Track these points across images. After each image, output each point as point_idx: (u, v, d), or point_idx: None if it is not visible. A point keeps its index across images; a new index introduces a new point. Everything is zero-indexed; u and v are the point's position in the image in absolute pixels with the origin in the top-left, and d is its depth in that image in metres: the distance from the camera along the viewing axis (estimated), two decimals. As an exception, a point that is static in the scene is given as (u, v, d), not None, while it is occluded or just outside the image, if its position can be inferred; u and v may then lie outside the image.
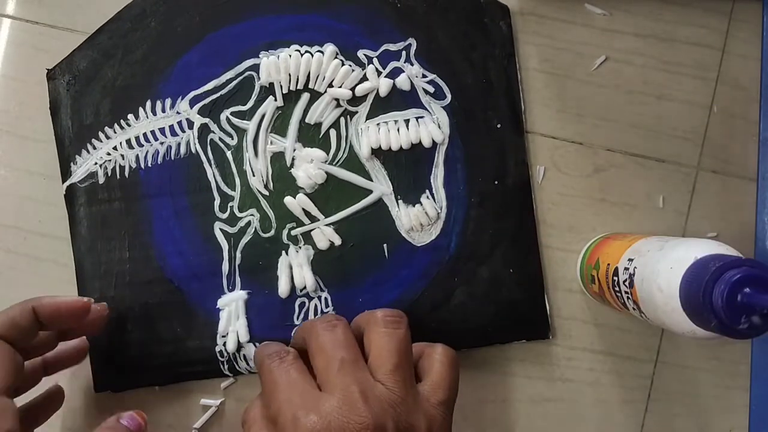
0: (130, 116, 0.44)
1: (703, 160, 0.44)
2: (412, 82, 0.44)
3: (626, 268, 0.36)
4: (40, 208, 0.44)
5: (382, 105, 0.44)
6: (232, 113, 0.44)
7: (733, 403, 0.44)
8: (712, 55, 0.45)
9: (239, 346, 0.43)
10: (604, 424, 0.44)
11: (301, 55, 0.44)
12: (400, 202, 0.44)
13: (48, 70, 0.44)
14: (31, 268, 0.44)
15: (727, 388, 0.44)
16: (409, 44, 0.44)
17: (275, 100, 0.44)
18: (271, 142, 0.44)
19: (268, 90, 0.44)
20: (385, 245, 0.43)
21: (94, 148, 0.44)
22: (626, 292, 0.36)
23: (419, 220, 0.43)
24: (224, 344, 0.43)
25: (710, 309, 0.29)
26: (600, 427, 0.44)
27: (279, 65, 0.43)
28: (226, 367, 0.43)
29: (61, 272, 0.44)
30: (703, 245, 0.32)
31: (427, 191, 0.44)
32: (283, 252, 0.44)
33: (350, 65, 0.44)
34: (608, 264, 0.38)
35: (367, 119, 0.44)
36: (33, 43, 0.45)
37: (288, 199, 0.44)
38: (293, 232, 0.44)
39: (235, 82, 0.44)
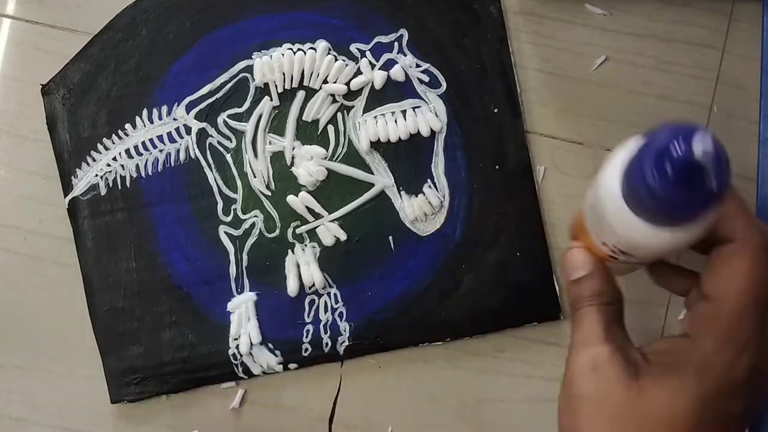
0: (128, 126, 0.44)
1: None
2: (406, 73, 0.44)
3: (588, 197, 0.33)
4: (40, 208, 0.44)
5: (378, 97, 0.44)
6: (228, 116, 0.44)
7: None
8: (712, 55, 0.45)
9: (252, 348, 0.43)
10: None
11: (294, 53, 0.44)
12: (402, 193, 0.44)
13: (42, 85, 0.44)
14: (31, 268, 0.44)
15: None
16: (401, 35, 0.44)
17: (271, 99, 0.44)
18: (270, 142, 0.44)
19: (264, 90, 0.44)
20: (390, 237, 0.44)
21: (94, 160, 0.44)
22: (594, 230, 0.33)
23: (423, 210, 0.43)
24: (237, 347, 0.43)
25: (645, 188, 0.25)
26: None
27: (272, 65, 0.43)
28: (240, 369, 0.43)
29: (61, 272, 0.44)
30: (636, 137, 0.29)
31: (429, 180, 0.44)
32: (290, 251, 0.44)
33: (343, 60, 0.44)
34: (581, 207, 0.35)
35: (364, 113, 0.44)
36: (33, 43, 0.45)
37: (290, 198, 0.44)
38: (298, 231, 0.44)
39: (229, 85, 0.44)
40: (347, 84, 0.44)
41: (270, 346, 0.43)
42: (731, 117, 0.44)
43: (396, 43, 0.44)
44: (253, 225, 0.44)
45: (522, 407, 0.44)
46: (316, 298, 0.44)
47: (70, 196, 0.44)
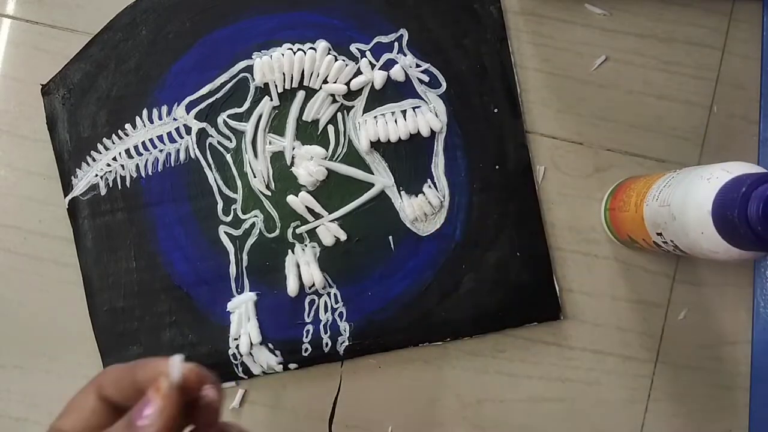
0: (128, 126, 0.44)
1: (703, 160, 0.44)
2: (406, 73, 0.44)
3: (658, 195, 0.36)
4: (40, 208, 0.45)
5: (378, 97, 0.44)
6: (228, 116, 0.44)
7: (733, 403, 0.44)
8: (712, 55, 0.45)
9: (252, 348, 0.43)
10: (604, 424, 0.44)
11: (294, 53, 0.44)
12: (402, 193, 0.44)
13: (42, 85, 0.44)
14: (31, 268, 0.44)
15: (727, 388, 0.44)
16: (401, 35, 0.44)
17: (271, 99, 0.44)
18: (270, 142, 0.44)
19: (264, 90, 0.44)
20: (390, 237, 0.44)
21: (94, 160, 0.44)
22: (656, 222, 0.36)
23: (423, 210, 0.43)
24: (237, 347, 0.43)
25: (745, 221, 0.29)
26: (600, 427, 0.44)
27: (272, 65, 0.43)
28: (240, 369, 0.43)
29: (61, 272, 0.44)
30: (740, 164, 0.33)
31: (429, 180, 0.44)
32: (290, 251, 0.44)
33: (343, 60, 0.44)
34: (638, 195, 0.38)
35: (364, 113, 0.44)
36: (33, 43, 0.45)
37: (290, 198, 0.44)
38: (298, 231, 0.44)
39: (229, 85, 0.44)
40: (347, 84, 0.43)
41: (270, 346, 0.43)
42: (731, 117, 0.44)
43: (396, 43, 0.44)
44: (253, 225, 0.44)
45: (522, 407, 0.44)
46: (316, 298, 0.44)
47: (70, 196, 0.44)
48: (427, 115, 0.43)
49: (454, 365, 0.44)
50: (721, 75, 0.45)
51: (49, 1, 0.45)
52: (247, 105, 0.44)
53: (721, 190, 0.31)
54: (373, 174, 0.44)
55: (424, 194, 0.43)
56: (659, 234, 0.36)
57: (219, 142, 0.44)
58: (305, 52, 0.43)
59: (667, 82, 0.45)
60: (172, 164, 0.44)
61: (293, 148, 0.44)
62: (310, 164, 0.43)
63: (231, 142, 0.44)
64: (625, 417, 0.44)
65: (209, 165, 0.44)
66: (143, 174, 0.44)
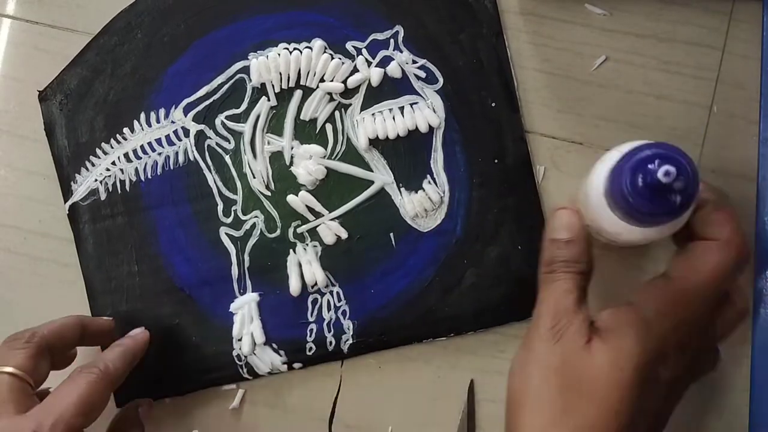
0: (126, 130, 0.44)
1: (703, 160, 0.44)
2: (403, 69, 0.44)
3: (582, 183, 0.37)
4: (40, 208, 0.45)
5: (375, 95, 0.44)
6: (226, 117, 0.44)
7: (733, 403, 0.43)
8: (712, 55, 0.44)
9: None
10: None
11: (290, 52, 0.44)
12: (402, 189, 0.44)
13: (39, 91, 0.44)
14: (31, 268, 0.45)
15: (727, 388, 0.44)
16: (397, 32, 0.44)
17: (268, 100, 0.44)
18: (269, 142, 0.44)
19: (261, 91, 0.44)
20: (391, 234, 0.44)
21: (93, 165, 0.44)
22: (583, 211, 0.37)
23: (423, 206, 0.43)
24: (241, 348, 0.43)
25: (620, 193, 0.30)
26: None
27: (269, 65, 0.43)
28: (245, 370, 0.43)
29: (62, 272, 0.44)
30: (631, 143, 0.33)
31: (428, 176, 0.44)
32: (291, 250, 0.44)
33: (340, 58, 0.44)
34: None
35: (361, 110, 0.44)
36: (33, 43, 0.45)
37: (290, 198, 0.44)
38: (299, 230, 0.44)
39: (226, 86, 0.44)
40: (344, 82, 0.43)
41: (274, 346, 0.43)
42: (731, 117, 0.44)
43: (392, 40, 0.44)
44: (253, 225, 0.44)
45: None
46: (318, 297, 0.44)
47: (70, 202, 0.44)
48: (425, 111, 0.43)
49: (455, 365, 0.44)
50: (721, 75, 0.44)
51: (49, 1, 0.45)
52: (244, 106, 0.44)
53: (612, 170, 0.32)
54: (372, 171, 0.44)
55: (424, 190, 0.44)
56: (588, 225, 0.37)
57: (217, 144, 0.44)
58: (301, 52, 0.44)
59: (667, 82, 0.44)
60: (171, 167, 0.44)
61: (292, 148, 0.44)
62: (309, 163, 0.44)
63: (229, 143, 0.44)
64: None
65: (208, 167, 0.44)
66: (142, 177, 0.44)
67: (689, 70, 0.44)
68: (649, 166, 0.30)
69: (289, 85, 0.44)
